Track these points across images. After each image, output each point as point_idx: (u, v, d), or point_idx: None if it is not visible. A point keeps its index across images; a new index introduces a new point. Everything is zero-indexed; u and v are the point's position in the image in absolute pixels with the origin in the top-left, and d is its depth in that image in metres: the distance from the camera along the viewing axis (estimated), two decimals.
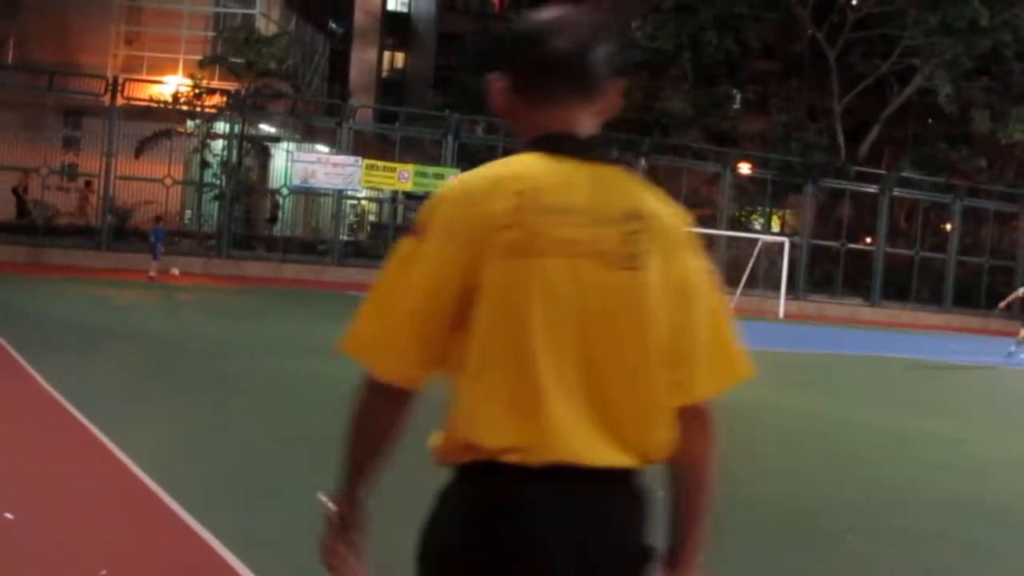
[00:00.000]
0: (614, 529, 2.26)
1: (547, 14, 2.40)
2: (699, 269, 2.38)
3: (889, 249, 44.63)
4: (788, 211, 48.40)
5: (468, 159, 39.81)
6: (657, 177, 42.24)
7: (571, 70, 2.35)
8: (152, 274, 29.98)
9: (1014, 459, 12.09)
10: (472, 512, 2.22)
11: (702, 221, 44.13)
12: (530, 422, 2.18)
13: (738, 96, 54.28)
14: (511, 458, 2.19)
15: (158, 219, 33.68)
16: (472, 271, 2.20)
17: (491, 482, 2.21)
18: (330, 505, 2.40)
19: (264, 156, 42.83)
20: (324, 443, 7.19)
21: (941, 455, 11.74)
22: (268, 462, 8.84)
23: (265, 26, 43.92)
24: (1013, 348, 23.36)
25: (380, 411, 2.31)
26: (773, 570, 6.77)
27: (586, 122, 2.38)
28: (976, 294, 44.03)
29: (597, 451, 2.22)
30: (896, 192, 44.43)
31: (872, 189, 44.20)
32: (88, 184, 38.23)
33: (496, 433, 2.19)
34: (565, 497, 2.20)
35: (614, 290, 2.25)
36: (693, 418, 2.37)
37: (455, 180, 2.36)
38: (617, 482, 2.27)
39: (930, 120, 48.10)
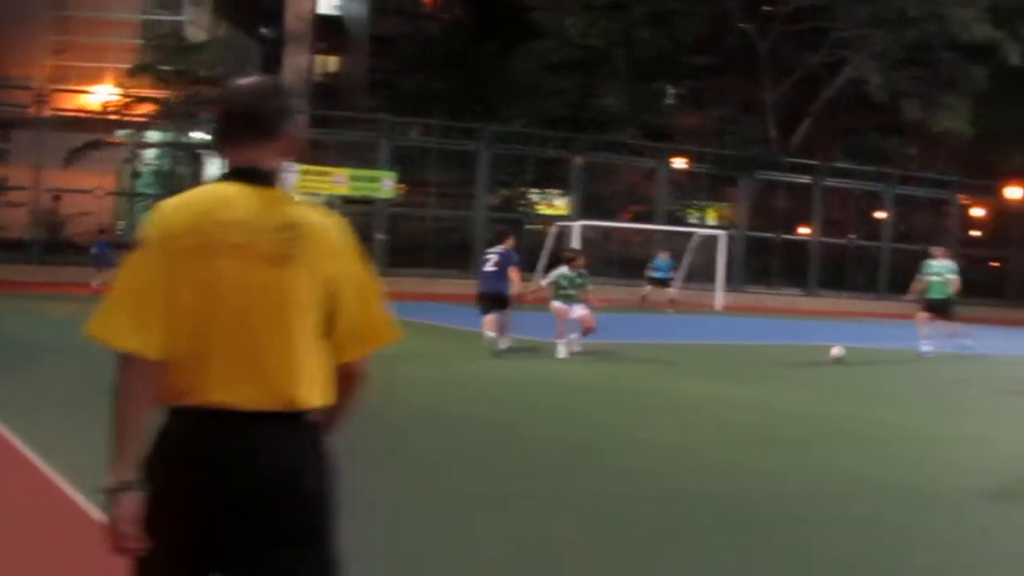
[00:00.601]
0: (261, 456, 3.05)
1: (236, 82, 3.38)
2: (350, 262, 3.24)
3: (824, 239, 45.01)
4: (725, 204, 48.67)
5: (403, 161, 39.71)
6: (593, 174, 42.38)
7: (246, 121, 3.24)
8: (95, 285, 29.61)
9: (954, 443, 12.20)
10: (160, 441, 3.07)
11: (639, 217, 44.35)
12: (200, 375, 3.04)
13: (672, 92, 54.58)
14: (187, 401, 3.05)
15: (102, 231, 33.29)
16: (171, 268, 3.04)
17: (176, 419, 3.08)
18: (113, 484, 3.00)
19: (197, 164, 42.48)
20: None
21: (883, 442, 11.82)
22: None
23: (194, 33, 43.58)
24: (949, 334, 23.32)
25: (130, 382, 3.02)
26: (716, 563, 6.77)
27: (267, 159, 3.24)
28: (910, 281, 44.33)
29: (249, 398, 3.05)
30: (829, 182, 44.79)
31: (806, 180, 44.53)
32: (57, 198, 37.55)
33: (181, 381, 3.04)
34: (221, 431, 3.05)
35: (268, 281, 3.10)
36: (346, 373, 3.27)
37: (160, 204, 3.19)
38: (268, 421, 3.07)
39: (861, 110, 48.51)
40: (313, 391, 3.13)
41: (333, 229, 3.23)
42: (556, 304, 19.01)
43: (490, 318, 18.92)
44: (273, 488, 3.06)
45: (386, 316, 3.34)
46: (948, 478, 9.95)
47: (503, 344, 18.59)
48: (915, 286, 23.51)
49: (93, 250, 31.35)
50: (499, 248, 19.61)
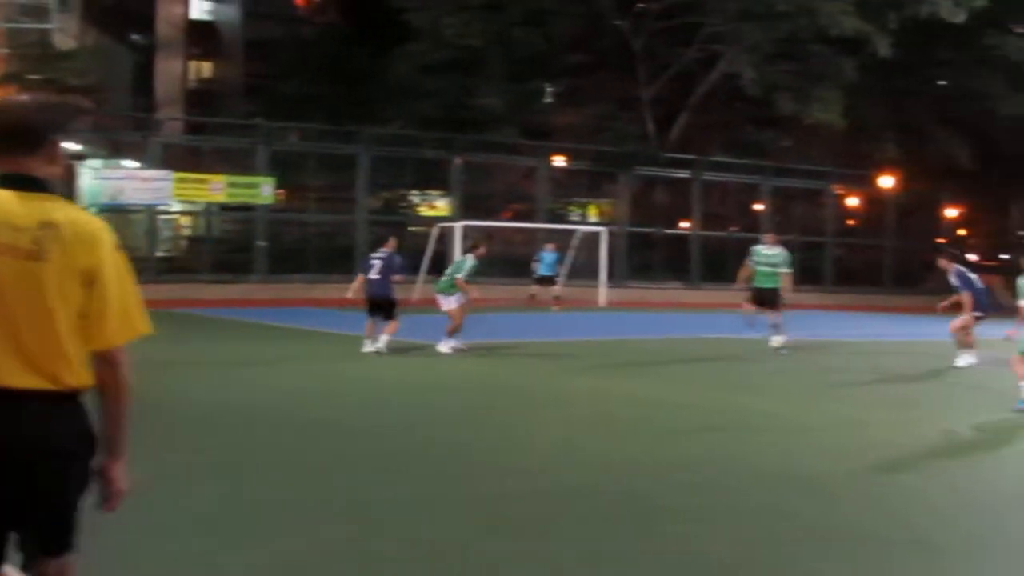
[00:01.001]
0: (24, 428, 3.54)
1: (7, 100, 3.88)
2: (107, 258, 3.65)
3: (704, 232, 45.51)
4: (605, 201, 48.97)
5: (281, 166, 39.29)
6: (474, 174, 42.37)
7: (14, 134, 3.68)
8: None
9: (824, 429, 12.38)
10: None
11: (521, 216, 44.43)
12: None
13: (550, 90, 54.81)
14: None
15: None
16: None
17: None
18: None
19: (68, 174, 41.61)
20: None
21: (761, 431, 11.95)
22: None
23: (63, 41, 42.69)
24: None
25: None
26: (597, 557, 6.76)
27: (37, 167, 3.69)
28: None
29: (14, 376, 3.53)
30: (708, 176, 45.30)
31: (685, 175, 44.98)
32: None
33: None
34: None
35: (26, 273, 3.56)
36: (104, 359, 3.69)
37: None
38: (35, 398, 3.55)
39: (737, 104, 49.15)
40: (77, 372, 3.63)
41: (91, 228, 3.67)
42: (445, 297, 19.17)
43: (371, 323, 18.89)
44: (32, 458, 3.57)
45: (139, 309, 3.78)
46: (824, 464, 10.09)
47: (381, 346, 18.52)
48: (742, 273, 22.51)
49: None
50: (382, 252, 19.52)
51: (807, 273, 40.75)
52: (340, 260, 37.89)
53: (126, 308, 3.71)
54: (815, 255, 46.27)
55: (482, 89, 48.81)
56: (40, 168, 3.71)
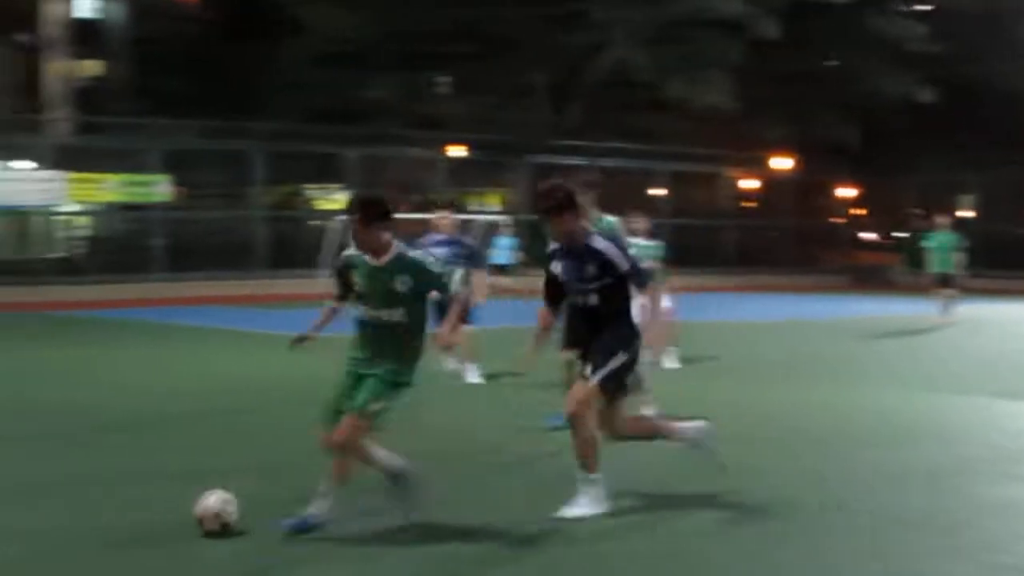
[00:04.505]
0: None
1: None
2: None
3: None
4: (504, 190, 49.16)
5: (175, 164, 38.98)
6: (369, 167, 42.31)
7: None
8: None
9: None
10: None
11: (420, 207, 44.41)
12: None
13: (440, 81, 54.81)
14: None
15: None
16: None
17: None
18: None
19: None
20: None
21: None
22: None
23: None
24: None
25: None
26: None
27: None
28: (691, 255, 45.64)
29: None
30: (603, 163, 45.63)
31: (581, 161, 45.27)
32: None
33: None
34: None
35: None
36: None
37: None
38: None
39: (629, 90, 49.46)
40: None
41: None
42: None
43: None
44: None
45: None
46: None
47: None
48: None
49: None
50: None
51: (704, 255, 41.38)
52: (238, 256, 37.76)
53: None
54: (712, 238, 46.97)
55: (371, 81, 48.68)
56: None
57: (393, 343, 7.30)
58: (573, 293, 7.91)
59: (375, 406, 7.11)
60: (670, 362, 16.52)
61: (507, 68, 49.09)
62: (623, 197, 48.29)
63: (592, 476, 7.63)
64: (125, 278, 36.58)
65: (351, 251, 7.45)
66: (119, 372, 16.63)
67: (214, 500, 7.24)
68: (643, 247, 16.47)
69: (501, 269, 33.54)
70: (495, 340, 15.58)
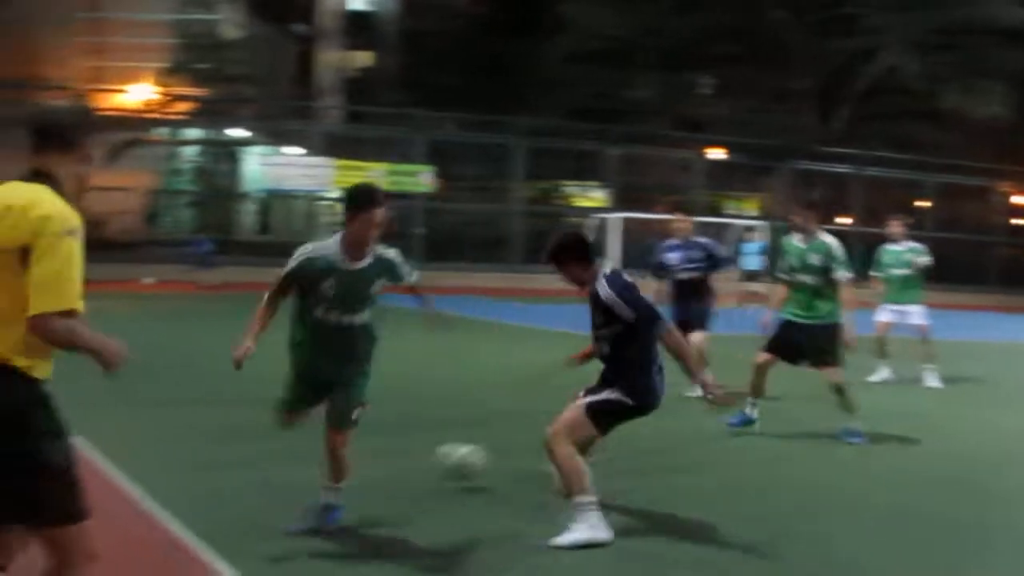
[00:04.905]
0: None
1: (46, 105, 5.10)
2: (46, 239, 3.95)
3: (863, 228, 44.67)
4: (762, 194, 48.42)
5: (439, 156, 39.69)
6: (628, 166, 42.25)
7: (44, 134, 4.25)
8: (213, 283, 31.07)
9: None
10: None
11: (676, 209, 44.09)
12: None
13: (706, 82, 54.33)
14: None
15: (200, 231, 34.53)
16: None
17: None
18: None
19: (233, 161, 42.60)
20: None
21: None
22: (234, 453, 8.96)
23: (228, 31, 43.70)
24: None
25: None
26: None
27: (61, 165, 4.22)
28: (955, 270, 43.95)
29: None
30: (869, 171, 44.48)
31: (845, 169, 44.25)
32: None
33: None
34: None
35: None
36: (30, 324, 3.94)
37: None
38: None
39: (898, 97, 48.04)
40: (15, 347, 4.00)
41: (36, 211, 3.99)
42: None
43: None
44: None
45: (67, 287, 3.98)
46: None
47: None
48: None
49: (192, 249, 32.29)
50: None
51: (968, 272, 39.84)
52: (494, 249, 38.20)
53: (52, 283, 3.95)
54: (977, 253, 45.17)
55: (635, 80, 48.63)
56: (64, 166, 4.24)
57: (363, 344, 6.86)
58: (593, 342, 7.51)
59: (358, 413, 6.76)
60: (932, 381, 15.78)
61: (772, 71, 48.32)
62: (887, 208, 47.34)
63: (577, 500, 7.01)
64: None
65: (319, 254, 6.67)
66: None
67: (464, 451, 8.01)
68: (894, 252, 16.04)
69: (750, 275, 31.96)
70: (732, 347, 14.82)
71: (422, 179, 38.31)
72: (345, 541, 6.68)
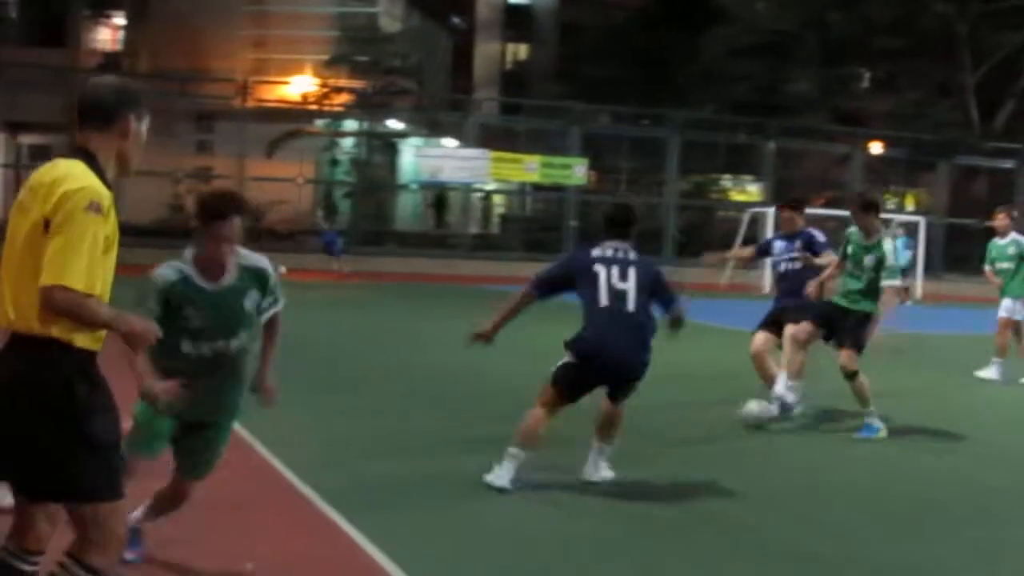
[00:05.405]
0: (17, 374, 3.97)
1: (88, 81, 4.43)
2: (64, 213, 3.92)
3: None
4: (922, 190, 47.42)
5: (593, 148, 39.73)
6: (785, 160, 41.75)
7: (84, 110, 4.21)
8: (341, 271, 32.12)
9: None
10: None
11: (832, 203, 43.46)
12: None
13: (866, 75, 53.35)
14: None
15: (329, 221, 36.00)
16: None
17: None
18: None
19: (391, 152, 43.21)
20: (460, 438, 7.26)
21: None
22: (412, 454, 8.98)
23: (388, 24, 44.29)
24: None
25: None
26: None
27: (102, 142, 4.18)
28: None
29: (8, 322, 4.03)
30: None
31: (1009, 165, 43.08)
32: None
33: None
34: (7, 350, 4.03)
35: (19, 225, 4.04)
36: (39, 295, 3.90)
37: None
38: (21, 343, 3.99)
39: None
40: (38, 319, 3.96)
41: (65, 187, 3.97)
42: None
43: None
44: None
45: (73, 264, 3.90)
46: None
47: None
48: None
49: (324, 239, 33.27)
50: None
51: None
52: (648, 242, 38.05)
53: (57, 258, 3.88)
54: None
55: (794, 73, 47.98)
56: (103, 142, 4.18)
57: (234, 373, 5.55)
58: None
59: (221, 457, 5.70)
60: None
61: (935, 65, 47.23)
62: None
63: (512, 449, 7.56)
64: (537, 256, 37.63)
65: (171, 276, 5.35)
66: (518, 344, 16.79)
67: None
68: (999, 246, 15.72)
69: (903, 271, 31.17)
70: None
71: (576, 172, 38.37)
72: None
